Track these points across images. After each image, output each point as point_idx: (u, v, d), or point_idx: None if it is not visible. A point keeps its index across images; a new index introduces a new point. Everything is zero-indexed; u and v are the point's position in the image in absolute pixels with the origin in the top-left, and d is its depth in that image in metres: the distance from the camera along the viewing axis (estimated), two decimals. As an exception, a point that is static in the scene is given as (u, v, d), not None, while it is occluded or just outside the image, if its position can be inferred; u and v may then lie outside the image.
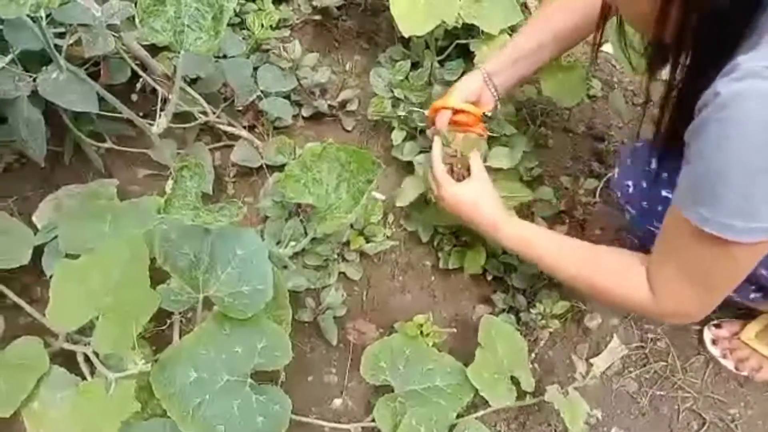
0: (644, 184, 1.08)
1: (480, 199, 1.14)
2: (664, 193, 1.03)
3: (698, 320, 0.96)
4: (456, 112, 1.23)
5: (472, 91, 1.23)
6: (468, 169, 1.19)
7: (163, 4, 1.14)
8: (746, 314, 1.36)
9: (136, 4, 1.13)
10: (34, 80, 1.18)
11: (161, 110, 1.29)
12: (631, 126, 1.71)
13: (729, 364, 1.32)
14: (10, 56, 1.17)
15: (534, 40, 1.21)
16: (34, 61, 1.20)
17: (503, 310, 1.37)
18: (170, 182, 1.01)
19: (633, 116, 1.72)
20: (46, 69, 1.18)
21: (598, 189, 1.54)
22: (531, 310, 1.32)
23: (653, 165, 1.04)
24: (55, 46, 1.15)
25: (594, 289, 1.01)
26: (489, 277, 1.42)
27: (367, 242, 1.41)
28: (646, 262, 0.94)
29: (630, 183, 1.11)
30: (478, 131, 1.26)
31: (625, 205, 1.14)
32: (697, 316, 0.93)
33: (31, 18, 1.07)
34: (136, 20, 1.13)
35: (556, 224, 1.46)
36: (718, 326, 1.35)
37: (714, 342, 1.34)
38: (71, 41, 1.24)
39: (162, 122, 1.23)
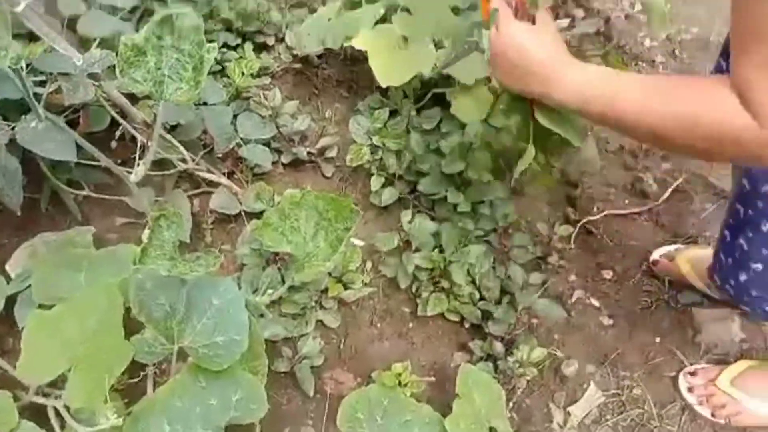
0: None
1: (540, 40, 0.96)
2: None
3: None
4: None
5: None
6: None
7: (144, 54, 1.16)
8: (721, 360, 1.38)
9: (117, 53, 1.14)
10: (13, 129, 1.18)
11: (140, 158, 1.30)
12: (605, 173, 1.76)
13: (705, 411, 1.33)
14: (-12, 105, 1.18)
15: None
16: (14, 109, 1.20)
17: (481, 358, 1.37)
18: (147, 231, 1.00)
19: (605, 163, 1.76)
20: (25, 118, 1.18)
21: (573, 235, 1.57)
22: (508, 358, 1.32)
23: None
24: (35, 94, 1.15)
25: (689, 127, 0.81)
26: (467, 325, 1.43)
27: (345, 289, 1.42)
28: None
29: None
30: None
31: None
32: None
33: (12, 68, 1.08)
34: (117, 71, 1.14)
35: (534, 270, 1.47)
36: (693, 374, 1.36)
37: (690, 390, 1.35)
38: (51, 89, 1.24)
39: (140, 170, 1.23)
